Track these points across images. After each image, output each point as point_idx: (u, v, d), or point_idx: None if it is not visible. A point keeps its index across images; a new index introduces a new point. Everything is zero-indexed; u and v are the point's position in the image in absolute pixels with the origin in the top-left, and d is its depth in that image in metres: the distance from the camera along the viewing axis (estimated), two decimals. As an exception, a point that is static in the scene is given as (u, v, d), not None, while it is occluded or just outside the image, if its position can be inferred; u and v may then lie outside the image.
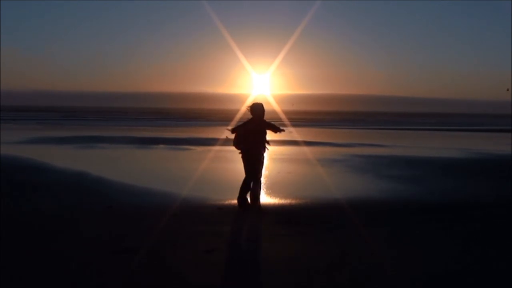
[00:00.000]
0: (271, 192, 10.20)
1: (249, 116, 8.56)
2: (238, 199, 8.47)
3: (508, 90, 71.54)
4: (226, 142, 8.56)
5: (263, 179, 9.21)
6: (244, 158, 8.45)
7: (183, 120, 66.81)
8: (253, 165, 8.38)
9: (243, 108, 8.71)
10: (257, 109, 8.50)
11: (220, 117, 76.24)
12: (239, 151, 8.46)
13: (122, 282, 4.91)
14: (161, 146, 22.07)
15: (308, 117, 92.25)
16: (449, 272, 5.34)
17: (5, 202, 8.78)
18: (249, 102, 8.81)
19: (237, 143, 8.47)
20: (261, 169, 8.56)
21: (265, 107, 8.57)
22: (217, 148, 20.49)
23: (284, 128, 9.02)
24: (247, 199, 8.47)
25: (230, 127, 8.61)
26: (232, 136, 8.54)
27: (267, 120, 8.62)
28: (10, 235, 6.59)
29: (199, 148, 20.83)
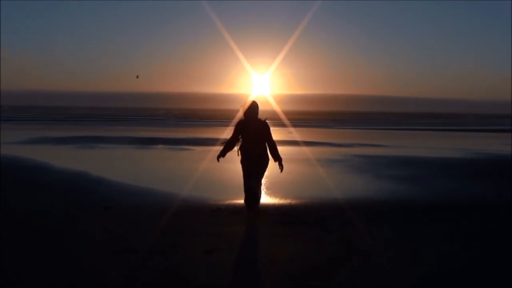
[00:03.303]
0: (271, 192, 10.20)
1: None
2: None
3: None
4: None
5: (263, 180, 9.11)
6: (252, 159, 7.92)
7: (183, 120, 66.78)
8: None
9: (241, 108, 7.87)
10: (253, 108, 7.78)
11: (220, 117, 76.22)
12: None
13: (122, 282, 4.91)
14: (161, 146, 22.08)
15: (308, 117, 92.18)
16: (449, 272, 5.34)
17: (5, 202, 8.77)
18: (247, 101, 8.13)
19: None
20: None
21: (266, 107, 8.17)
22: (217, 148, 20.47)
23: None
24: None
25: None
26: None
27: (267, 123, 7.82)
28: (9, 235, 6.59)
29: (199, 148, 20.83)
